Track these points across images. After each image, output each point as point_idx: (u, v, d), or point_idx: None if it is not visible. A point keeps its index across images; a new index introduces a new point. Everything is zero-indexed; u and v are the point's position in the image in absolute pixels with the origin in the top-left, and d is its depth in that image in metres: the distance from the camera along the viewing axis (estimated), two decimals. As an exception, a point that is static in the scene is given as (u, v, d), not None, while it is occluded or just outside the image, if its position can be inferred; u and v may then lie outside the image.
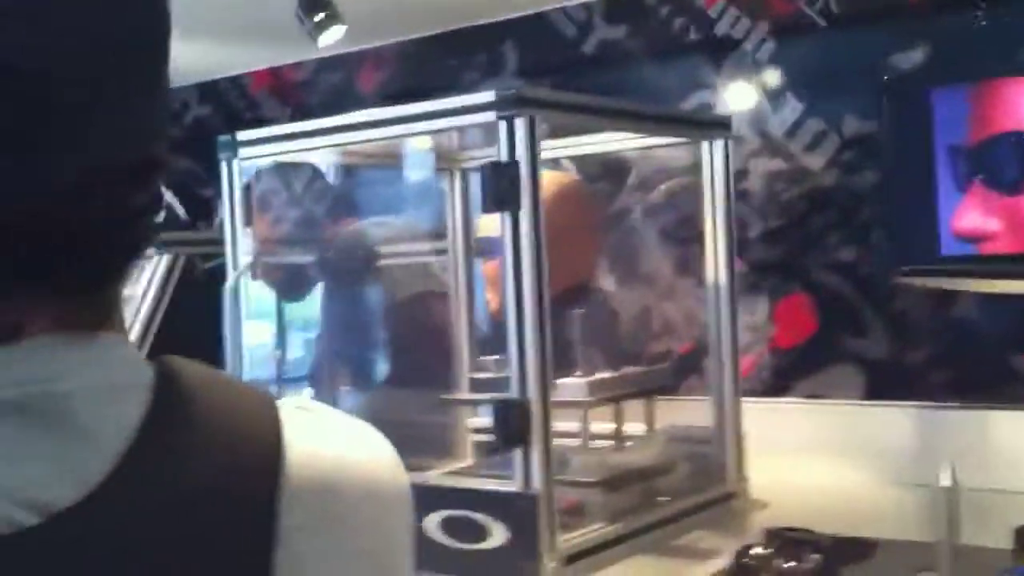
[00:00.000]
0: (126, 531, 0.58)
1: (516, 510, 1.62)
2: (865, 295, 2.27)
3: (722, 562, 1.64)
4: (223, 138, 1.99)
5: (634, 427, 2.00)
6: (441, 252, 2.35)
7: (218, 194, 3.20)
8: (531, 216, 1.60)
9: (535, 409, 1.61)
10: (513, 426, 1.61)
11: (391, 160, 2.32)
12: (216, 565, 0.60)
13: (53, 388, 0.59)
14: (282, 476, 0.63)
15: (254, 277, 1.99)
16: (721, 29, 2.43)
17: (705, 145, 2.02)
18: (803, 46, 2.34)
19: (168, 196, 3.50)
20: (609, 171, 2.55)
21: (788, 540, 1.66)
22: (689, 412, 2.18)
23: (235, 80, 3.30)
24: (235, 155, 1.97)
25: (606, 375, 1.91)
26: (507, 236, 1.61)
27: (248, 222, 1.98)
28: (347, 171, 2.75)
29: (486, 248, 2.13)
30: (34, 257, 0.59)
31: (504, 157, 1.60)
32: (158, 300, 2.55)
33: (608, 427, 1.98)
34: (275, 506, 0.62)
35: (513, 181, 1.59)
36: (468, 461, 2.26)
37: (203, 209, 3.41)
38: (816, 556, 1.57)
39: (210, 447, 0.62)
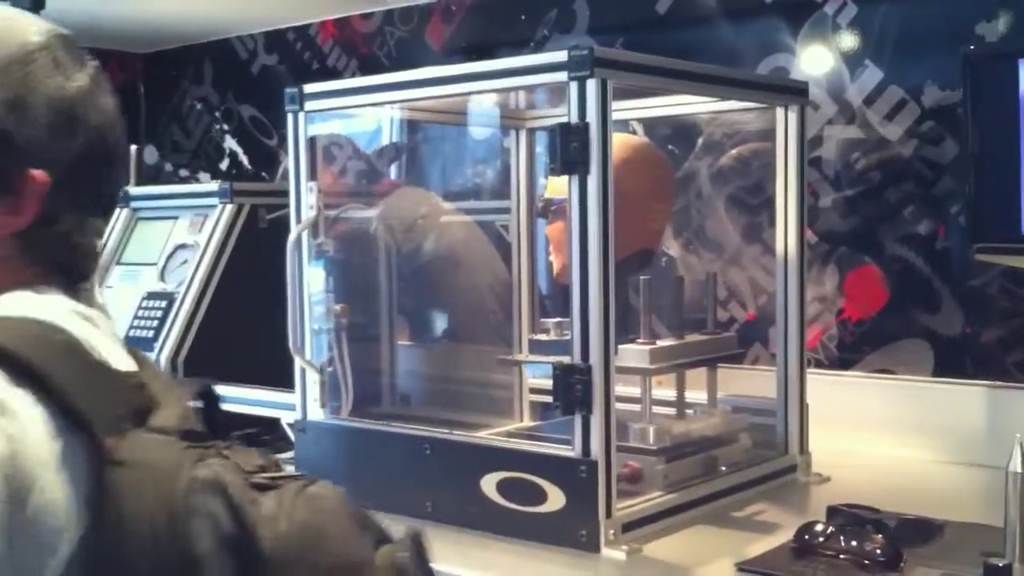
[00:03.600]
0: None
1: (574, 475, 1.61)
2: (939, 270, 2.21)
3: (783, 537, 1.62)
4: (290, 90, 1.97)
5: (697, 395, 1.98)
6: (503, 212, 2.33)
7: (282, 144, 3.20)
8: (600, 180, 1.57)
9: (596, 375, 1.59)
10: (574, 391, 1.59)
11: (456, 117, 2.30)
12: None
13: None
14: None
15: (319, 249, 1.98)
16: (801, -9, 2.37)
17: (779, 111, 1.98)
18: (885, 11, 2.26)
19: (233, 145, 3.51)
20: (678, 134, 2.51)
21: (851, 518, 1.63)
22: (753, 382, 2.16)
23: (302, 30, 3.29)
24: (302, 108, 1.95)
25: (669, 342, 1.88)
26: (575, 200, 1.59)
27: (312, 176, 1.96)
28: (412, 127, 2.73)
29: (551, 210, 2.10)
30: None
31: (574, 119, 1.58)
32: (221, 249, 2.56)
33: (670, 394, 1.96)
34: None
35: (583, 144, 1.56)
36: (526, 422, 2.26)
37: (267, 159, 3.41)
38: (879, 536, 1.54)
39: None
